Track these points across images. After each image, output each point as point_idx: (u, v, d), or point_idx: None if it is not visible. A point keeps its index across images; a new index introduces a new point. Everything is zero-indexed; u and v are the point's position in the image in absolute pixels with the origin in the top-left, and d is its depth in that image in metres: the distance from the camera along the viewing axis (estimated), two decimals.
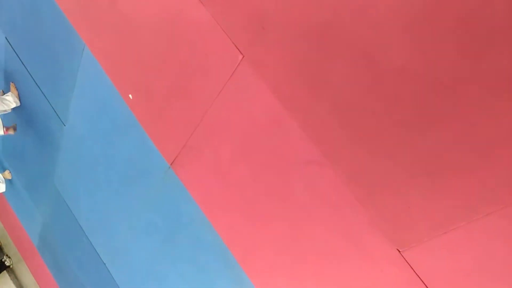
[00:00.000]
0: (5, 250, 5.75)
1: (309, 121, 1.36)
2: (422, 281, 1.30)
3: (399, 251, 1.32)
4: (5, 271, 5.66)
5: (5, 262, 5.67)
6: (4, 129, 3.19)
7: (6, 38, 2.67)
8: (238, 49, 1.42)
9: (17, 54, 2.65)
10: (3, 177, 3.83)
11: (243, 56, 1.42)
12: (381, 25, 1.08)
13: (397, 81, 1.11)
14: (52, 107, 2.62)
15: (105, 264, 3.06)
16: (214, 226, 1.93)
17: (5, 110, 3.06)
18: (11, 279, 5.64)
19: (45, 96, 2.63)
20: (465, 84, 1.00)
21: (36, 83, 2.63)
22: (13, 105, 3.34)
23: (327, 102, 1.28)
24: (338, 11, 1.13)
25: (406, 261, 1.31)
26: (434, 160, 1.13)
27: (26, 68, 2.64)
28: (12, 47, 2.67)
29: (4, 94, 3.12)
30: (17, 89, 3.35)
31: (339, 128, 1.29)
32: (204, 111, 1.67)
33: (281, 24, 1.27)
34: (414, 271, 1.30)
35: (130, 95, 1.98)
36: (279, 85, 1.37)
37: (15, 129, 3.26)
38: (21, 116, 3.12)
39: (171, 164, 1.97)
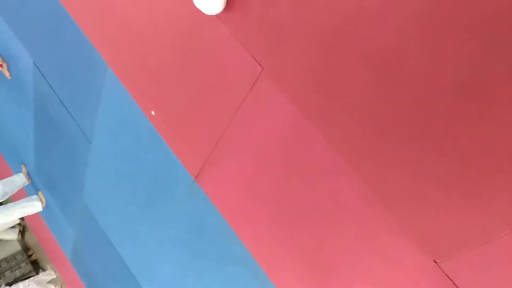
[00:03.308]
0: (41, 264, 6.00)
1: (332, 130, 1.33)
2: None
3: (436, 262, 1.26)
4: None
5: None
6: None
7: (33, 62, 2.81)
8: (257, 61, 1.42)
9: (45, 78, 2.78)
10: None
11: (262, 68, 1.41)
12: (400, 29, 1.04)
13: (421, 86, 1.07)
14: (79, 127, 2.72)
15: (135, 276, 3.12)
16: (241, 238, 1.93)
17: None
18: None
19: (72, 116, 2.73)
20: (494, 84, 0.95)
21: (64, 104, 2.74)
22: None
23: (350, 110, 1.25)
24: (356, 17, 1.11)
25: (444, 273, 1.24)
26: (469, 164, 1.07)
27: (54, 90, 2.75)
28: (40, 71, 2.80)
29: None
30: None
31: (363, 136, 1.25)
32: (226, 123, 1.67)
33: (298, 34, 1.26)
34: (454, 284, 1.23)
35: (152, 112, 2.02)
36: (300, 95, 1.36)
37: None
38: (50, 137, 3.26)
39: (195, 178, 1.99)
